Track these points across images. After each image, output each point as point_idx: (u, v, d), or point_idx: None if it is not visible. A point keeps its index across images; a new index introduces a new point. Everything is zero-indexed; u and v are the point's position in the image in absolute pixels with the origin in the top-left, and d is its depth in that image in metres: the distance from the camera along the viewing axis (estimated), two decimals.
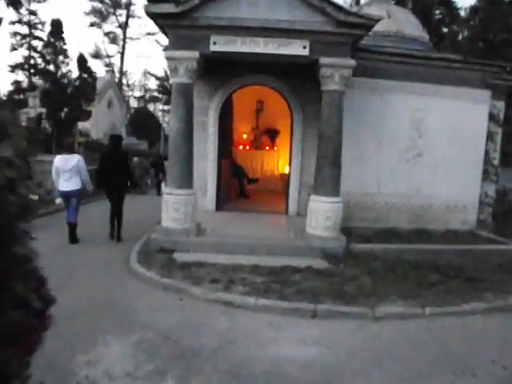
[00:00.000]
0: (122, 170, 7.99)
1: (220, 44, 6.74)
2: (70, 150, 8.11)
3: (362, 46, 7.95)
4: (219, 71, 8.76)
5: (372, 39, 9.18)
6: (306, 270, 6.28)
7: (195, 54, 6.74)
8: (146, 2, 6.58)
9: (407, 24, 10.17)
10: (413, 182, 8.99)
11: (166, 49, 6.85)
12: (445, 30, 20.66)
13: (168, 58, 6.82)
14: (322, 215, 7.07)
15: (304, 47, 6.73)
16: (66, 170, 7.50)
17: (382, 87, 8.71)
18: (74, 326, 4.20)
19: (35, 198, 8.36)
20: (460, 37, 19.88)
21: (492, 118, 9.52)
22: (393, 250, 7.32)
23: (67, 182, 7.52)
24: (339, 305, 5.15)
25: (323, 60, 6.79)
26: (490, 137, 9.53)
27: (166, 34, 7.10)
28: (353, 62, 6.84)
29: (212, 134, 9.32)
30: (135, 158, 19.74)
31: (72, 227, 7.65)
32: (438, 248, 7.59)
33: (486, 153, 9.50)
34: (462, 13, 20.51)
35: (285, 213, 9.55)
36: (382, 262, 6.80)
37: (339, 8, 6.48)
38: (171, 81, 7.04)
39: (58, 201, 8.21)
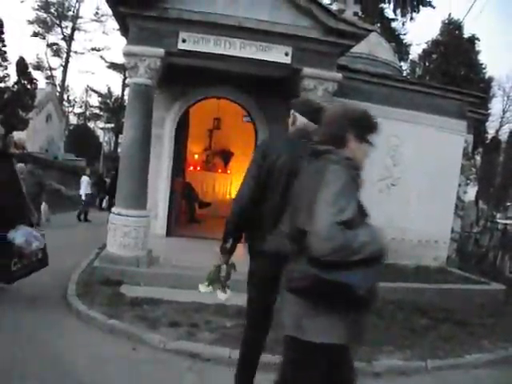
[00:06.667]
0: None
1: (190, 42, 5.76)
2: None
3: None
4: (179, 79, 7.76)
5: (343, 59, 8.58)
6: None
7: (160, 51, 5.72)
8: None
9: (380, 47, 9.75)
10: (385, 214, 8.28)
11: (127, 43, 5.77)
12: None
13: (127, 54, 5.74)
14: None
15: (286, 54, 5.92)
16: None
17: None
18: None
19: None
20: (418, 71, 20.15)
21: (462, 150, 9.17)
22: None
23: None
24: None
25: (306, 70, 6.00)
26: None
27: (124, 28, 6.07)
28: (339, 76, 6.13)
29: (167, 148, 8.23)
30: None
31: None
32: (418, 287, 6.90)
33: None
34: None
35: (244, 241, 8.54)
36: None
37: (328, 12, 5.75)
38: (128, 81, 6.00)
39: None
